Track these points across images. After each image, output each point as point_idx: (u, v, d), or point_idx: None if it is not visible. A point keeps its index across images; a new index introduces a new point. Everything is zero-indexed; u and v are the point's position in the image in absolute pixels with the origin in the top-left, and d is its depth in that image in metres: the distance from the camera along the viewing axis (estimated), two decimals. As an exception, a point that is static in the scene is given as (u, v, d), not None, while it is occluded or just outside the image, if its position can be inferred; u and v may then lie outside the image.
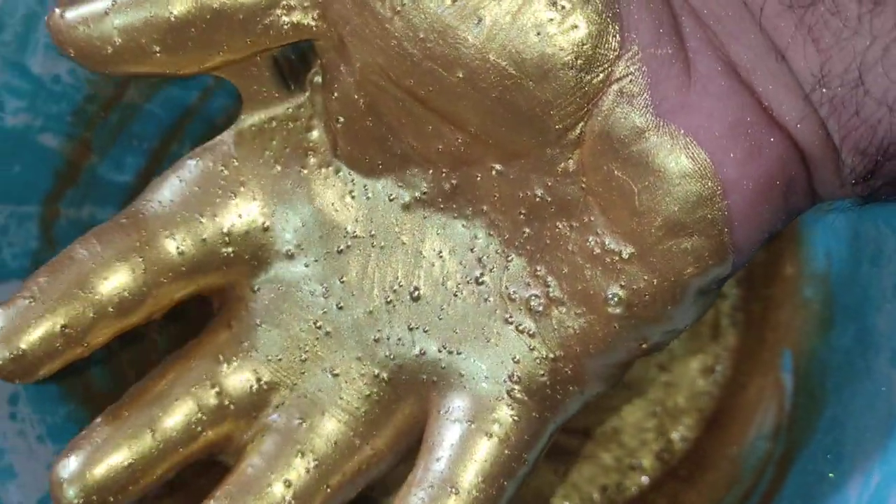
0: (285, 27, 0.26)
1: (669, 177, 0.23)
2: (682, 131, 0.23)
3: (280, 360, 0.30)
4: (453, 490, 0.26)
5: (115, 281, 0.29)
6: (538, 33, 0.23)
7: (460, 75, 0.24)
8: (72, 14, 0.26)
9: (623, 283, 0.25)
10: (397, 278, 0.28)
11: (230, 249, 0.30)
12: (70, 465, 0.27)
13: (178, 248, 0.29)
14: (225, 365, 0.30)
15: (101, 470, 0.28)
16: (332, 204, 0.28)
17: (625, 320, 0.26)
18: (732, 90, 0.23)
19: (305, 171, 0.29)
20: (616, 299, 0.26)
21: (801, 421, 0.37)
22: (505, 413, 0.27)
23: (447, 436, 0.27)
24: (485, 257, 0.28)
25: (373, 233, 0.29)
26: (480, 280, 0.28)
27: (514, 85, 0.24)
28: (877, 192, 0.23)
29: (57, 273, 0.28)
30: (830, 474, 0.33)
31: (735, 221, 0.23)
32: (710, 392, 0.46)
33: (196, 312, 0.44)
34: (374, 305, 0.29)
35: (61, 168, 0.34)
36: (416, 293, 0.28)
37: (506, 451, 0.27)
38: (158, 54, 0.26)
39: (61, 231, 0.35)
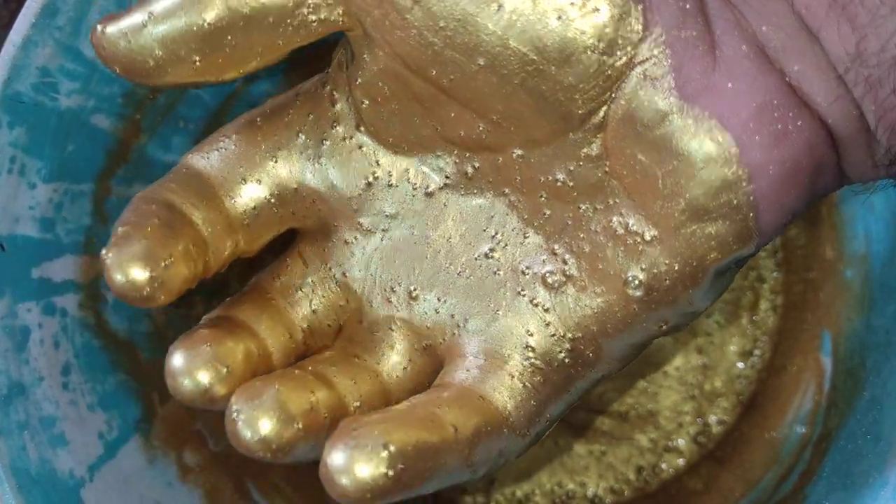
0: (314, 24, 0.26)
1: (693, 161, 0.23)
2: (707, 114, 0.22)
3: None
4: (434, 425, 0.24)
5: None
6: (559, 17, 0.23)
7: (481, 63, 0.24)
8: (112, 29, 0.26)
9: (644, 266, 0.25)
10: (413, 268, 0.29)
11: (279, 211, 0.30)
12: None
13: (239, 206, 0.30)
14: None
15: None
16: (352, 178, 0.29)
17: (644, 303, 0.26)
18: (759, 72, 0.22)
19: (328, 143, 0.29)
20: (636, 282, 0.25)
21: (839, 402, 0.37)
22: (512, 384, 0.27)
23: (447, 391, 0.27)
24: (499, 234, 0.28)
25: (390, 212, 0.29)
26: (490, 255, 0.28)
27: (536, 71, 0.24)
28: None
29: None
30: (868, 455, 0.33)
31: (760, 206, 0.23)
32: (748, 375, 0.46)
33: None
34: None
35: (112, 147, 0.35)
36: (422, 272, 0.29)
37: (508, 421, 0.27)
38: (198, 63, 0.26)
39: (112, 208, 0.36)
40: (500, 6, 0.23)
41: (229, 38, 0.26)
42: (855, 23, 0.21)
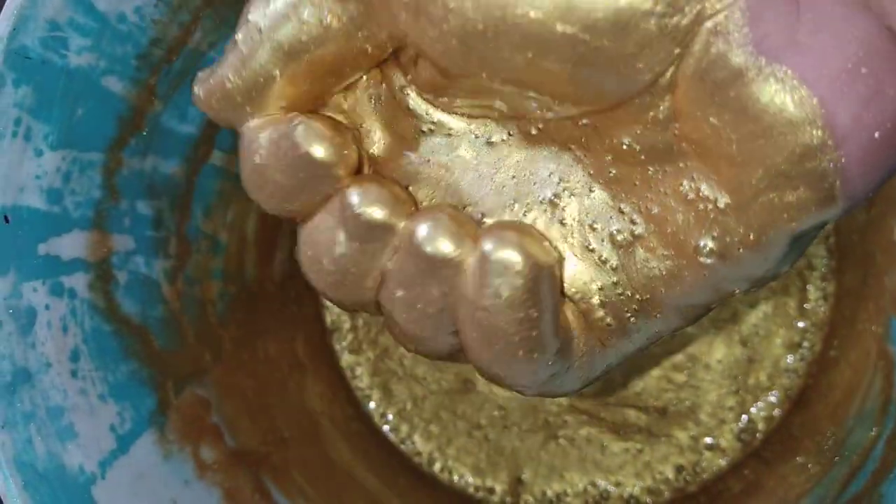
0: (370, 50, 0.24)
1: (773, 124, 0.20)
2: (789, 72, 0.20)
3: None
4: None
5: None
6: None
7: (530, 55, 0.21)
8: (201, 90, 0.25)
9: (716, 234, 0.22)
10: (478, 199, 0.26)
11: None
12: None
13: None
14: None
15: None
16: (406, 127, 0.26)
17: (716, 270, 0.23)
18: (852, 20, 0.19)
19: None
20: (707, 250, 0.23)
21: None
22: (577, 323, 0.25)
23: None
24: (564, 182, 0.25)
25: (449, 152, 0.26)
26: (556, 201, 0.25)
27: (591, 49, 0.21)
28: None
29: None
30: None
31: (848, 173, 0.20)
32: (796, 369, 0.43)
33: (255, 282, 0.42)
34: None
35: (125, 114, 0.33)
36: (488, 201, 0.26)
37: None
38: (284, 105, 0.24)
39: (124, 181, 0.33)
40: None
41: (303, 85, 0.24)
42: None
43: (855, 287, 0.41)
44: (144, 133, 0.34)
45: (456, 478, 0.45)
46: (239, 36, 0.24)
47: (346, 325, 0.47)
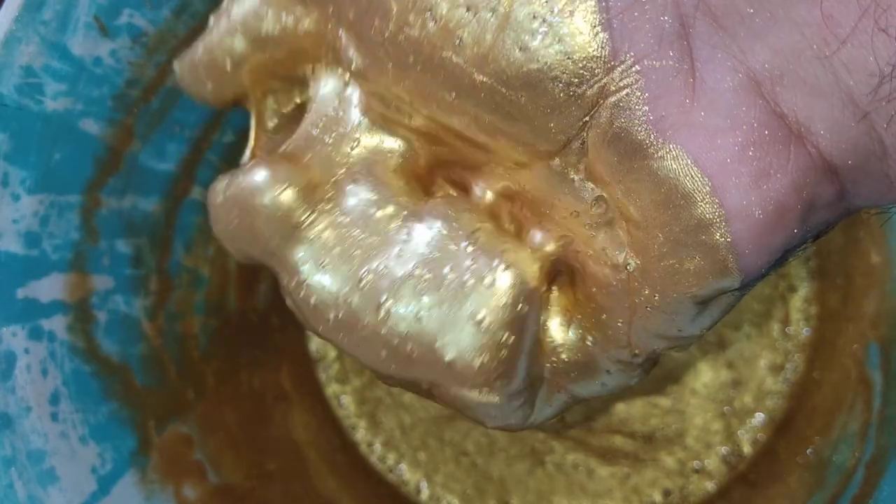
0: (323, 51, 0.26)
1: (671, 196, 0.21)
2: (683, 152, 0.20)
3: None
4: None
5: None
6: (521, 49, 0.21)
7: (453, 96, 0.23)
8: (178, 65, 0.28)
9: (629, 294, 0.23)
10: None
11: None
12: None
13: None
14: None
15: None
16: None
17: (632, 329, 0.24)
18: (744, 105, 0.20)
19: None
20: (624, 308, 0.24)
21: (894, 418, 0.34)
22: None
23: None
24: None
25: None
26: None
27: (507, 101, 0.22)
28: None
29: None
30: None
31: (740, 248, 0.21)
32: (780, 391, 0.44)
33: (237, 314, 0.42)
34: None
35: (102, 155, 0.33)
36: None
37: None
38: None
39: (102, 221, 0.33)
40: (460, 40, 0.21)
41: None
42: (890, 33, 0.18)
43: (836, 309, 0.41)
44: (122, 172, 0.34)
45: (444, 500, 0.45)
46: (212, 20, 0.26)
47: (332, 355, 0.47)
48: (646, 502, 0.44)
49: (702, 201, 0.21)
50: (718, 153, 0.20)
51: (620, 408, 0.45)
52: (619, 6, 0.20)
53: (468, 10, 0.21)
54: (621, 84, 0.21)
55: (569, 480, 0.45)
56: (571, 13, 0.20)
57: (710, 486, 0.43)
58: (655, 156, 0.21)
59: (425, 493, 0.45)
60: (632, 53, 0.20)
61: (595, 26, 0.20)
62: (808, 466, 0.39)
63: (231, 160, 0.40)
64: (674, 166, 0.21)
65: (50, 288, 0.31)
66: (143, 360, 0.35)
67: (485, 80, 0.22)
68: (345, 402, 0.47)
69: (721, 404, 0.44)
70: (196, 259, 0.39)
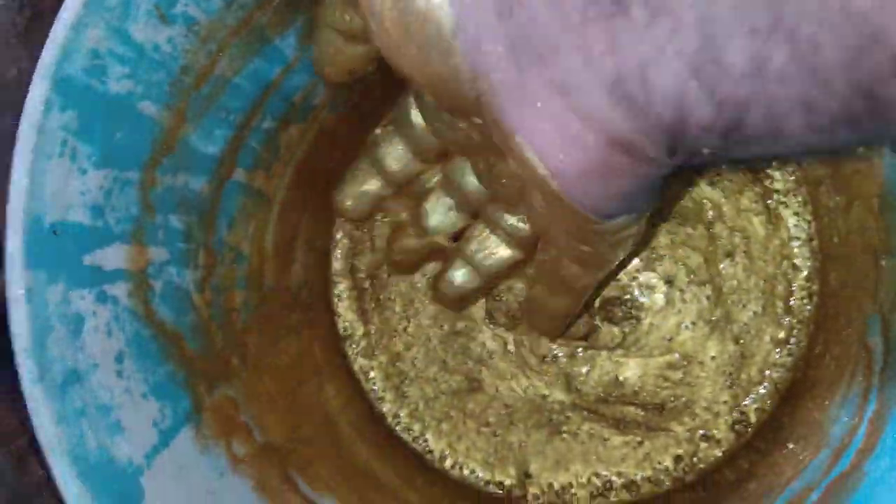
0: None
1: (525, 165, 0.29)
2: (523, 138, 0.28)
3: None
4: None
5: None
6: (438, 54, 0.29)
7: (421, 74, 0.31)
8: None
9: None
10: None
11: None
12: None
13: None
14: None
15: None
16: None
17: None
18: (553, 103, 0.27)
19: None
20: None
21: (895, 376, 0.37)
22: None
23: None
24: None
25: None
26: None
27: (438, 90, 0.30)
28: (697, 164, 0.27)
29: None
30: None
31: (571, 194, 0.29)
32: (784, 364, 0.46)
33: (273, 291, 0.45)
34: None
35: (158, 136, 0.35)
36: None
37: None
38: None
39: (157, 198, 0.36)
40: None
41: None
42: (614, 43, 0.24)
43: (837, 286, 0.44)
44: (175, 153, 0.36)
45: (467, 472, 0.48)
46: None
47: (359, 332, 0.50)
48: (658, 468, 0.47)
49: (536, 168, 0.29)
50: (542, 137, 0.28)
51: (632, 381, 0.47)
52: (470, 40, 0.27)
53: None
54: (486, 94, 0.28)
55: (584, 449, 0.47)
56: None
57: (718, 452, 0.46)
58: (513, 140, 0.29)
59: (449, 461, 0.48)
60: (488, 74, 0.28)
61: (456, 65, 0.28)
62: (814, 429, 0.41)
63: (269, 145, 0.43)
64: (521, 147, 0.28)
65: (113, 257, 0.33)
66: (192, 328, 0.37)
67: (422, 79, 0.30)
68: (372, 376, 0.49)
69: (728, 377, 0.46)
70: (237, 237, 0.42)
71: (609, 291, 0.47)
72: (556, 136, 0.27)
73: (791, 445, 0.42)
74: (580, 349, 0.47)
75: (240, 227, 0.42)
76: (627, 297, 0.47)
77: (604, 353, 0.47)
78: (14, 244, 0.30)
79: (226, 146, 0.39)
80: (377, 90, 0.49)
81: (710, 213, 0.47)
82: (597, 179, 0.28)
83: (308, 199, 0.47)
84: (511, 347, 0.48)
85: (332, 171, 0.50)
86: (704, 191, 0.47)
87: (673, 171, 0.28)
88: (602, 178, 0.28)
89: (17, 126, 0.49)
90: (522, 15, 0.26)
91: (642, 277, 0.47)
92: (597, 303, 0.47)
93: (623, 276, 0.47)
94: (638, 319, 0.47)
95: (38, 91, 0.30)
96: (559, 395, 0.48)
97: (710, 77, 0.23)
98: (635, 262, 0.47)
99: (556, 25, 0.25)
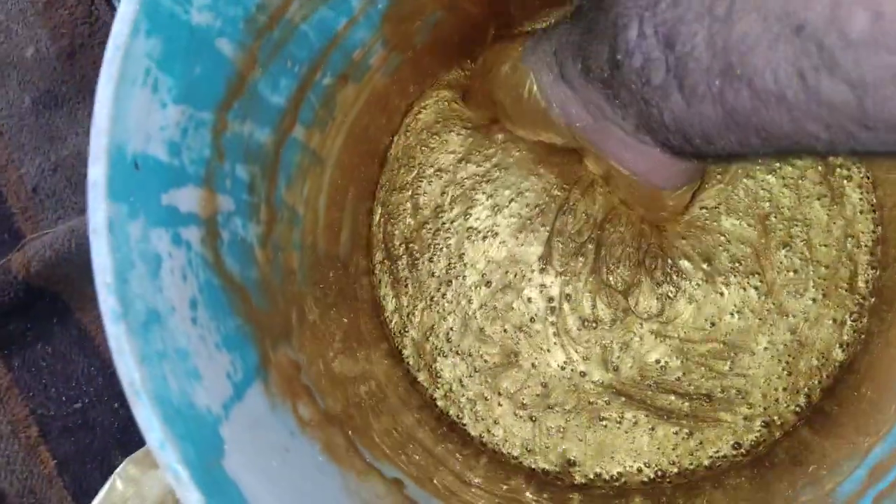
0: None
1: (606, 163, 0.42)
2: (606, 154, 0.41)
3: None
4: None
5: None
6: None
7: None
8: None
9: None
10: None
11: None
12: None
13: None
14: None
15: None
16: None
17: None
18: (619, 136, 0.38)
19: None
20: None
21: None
22: None
23: None
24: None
25: None
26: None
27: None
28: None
29: None
30: None
31: (644, 180, 0.42)
32: (844, 342, 0.45)
33: (325, 257, 0.43)
34: None
35: (232, 77, 0.34)
36: None
37: None
38: None
39: (227, 143, 0.34)
40: None
41: None
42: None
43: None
44: (245, 98, 0.35)
45: (508, 455, 0.46)
46: None
47: (391, 306, 0.48)
48: (715, 456, 0.45)
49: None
50: (619, 153, 0.40)
51: (673, 367, 0.46)
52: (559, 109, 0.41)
53: None
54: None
55: (629, 437, 0.46)
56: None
57: (777, 434, 0.45)
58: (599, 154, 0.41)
59: (490, 442, 0.46)
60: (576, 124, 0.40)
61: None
62: (875, 408, 0.40)
63: (327, 103, 0.41)
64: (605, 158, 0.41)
65: (187, 199, 0.32)
66: (256, 283, 0.35)
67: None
68: (405, 353, 0.48)
69: (786, 365, 0.45)
70: (294, 196, 0.40)
71: (653, 251, 0.46)
72: (627, 153, 0.39)
73: (851, 425, 0.41)
74: (620, 311, 0.46)
75: (296, 186, 0.40)
76: (669, 260, 0.46)
77: (639, 330, 0.46)
78: (97, 172, 0.28)
79: (290, 98, 0.38)
80: (425, 58, 0.48)
81: (767, 204, 0.46)
82: (653, 171, 0.40)
83: (356, 166, 0.46)
84: (555, 304, 0.46)
85: (381, 137, 0.49)
86: (763, 180, 0.46)
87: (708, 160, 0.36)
88: (655, 170, 0.40)
89: (36, 105, 0.47)
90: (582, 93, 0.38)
91: (685, 249, 0.46)
92: (642, 257, 0.46)
93: (665, 241, 0.46)
94: (677, 288, 0.46)
95: (127, 10, 0.29)
96: (597, 373, 0.46)
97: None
98: (683, 238, 0.46)
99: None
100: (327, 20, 0.38)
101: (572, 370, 0.46)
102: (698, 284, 0.46)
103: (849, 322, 0.45)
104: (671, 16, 0.28)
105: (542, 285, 0.46)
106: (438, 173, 0.48)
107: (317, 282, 0.41)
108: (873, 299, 0.45)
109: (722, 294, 0.46)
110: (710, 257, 0.46)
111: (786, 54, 0.24)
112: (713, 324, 0.46)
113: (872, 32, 0.22)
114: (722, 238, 0.46)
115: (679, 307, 0.46)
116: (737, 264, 0.46)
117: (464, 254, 0.47)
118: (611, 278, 0.45)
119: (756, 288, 0.46)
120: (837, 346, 0.45)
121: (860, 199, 0.46)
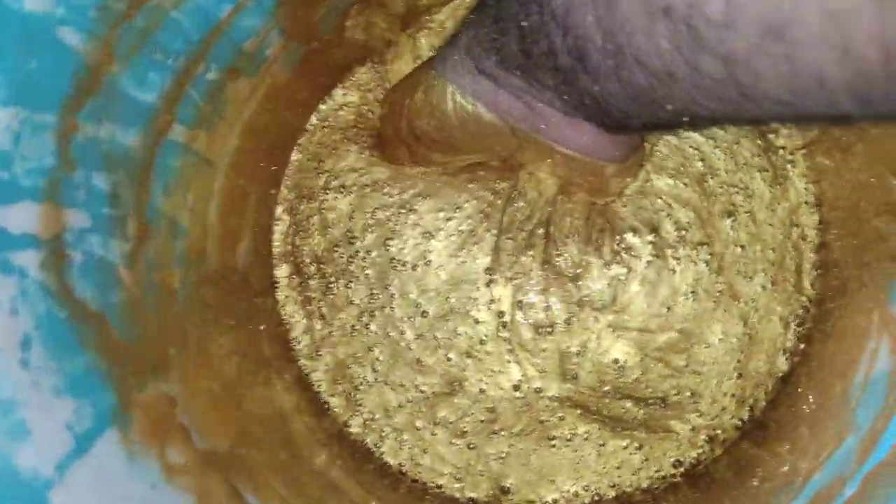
0: None
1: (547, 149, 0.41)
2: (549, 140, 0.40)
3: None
4: None
5: None
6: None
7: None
8: None
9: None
10: None
11: None
12: None
13: None
14: None
15: None
16: None
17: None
18: (559, 125, 0.39)
19: None
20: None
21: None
22: None
23: None
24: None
25: None
26: None
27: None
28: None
29: None
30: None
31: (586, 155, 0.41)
32: (794, 349, 0.42)
33: (217, 271, 0.38)
34: None
35: (81, 72, 0.29)
36: None
37: None
38: None
39: (79, 149, 0.29)
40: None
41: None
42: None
43: (848, 260, 0.40)
44: (101, 96, 0.30)
45: (431, 486, 0.42)
46: None
47: (301, 327, 0.43)
48: (654, 476, 0.42)
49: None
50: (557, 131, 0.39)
51: (631, 366, 0.42)
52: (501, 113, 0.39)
53: None
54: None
55: (576, 457, 0.42)
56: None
57: (719, 451, 0.41)
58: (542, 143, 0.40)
59: (411, 475, 0.42)
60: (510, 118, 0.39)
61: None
62: (833, 415, 0.37)
63: (213, 100, 0.37)
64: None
65: (21, 217, 0.27)
66: (121, 309, 0.31)
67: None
68: (315, 378, 0.43)
69: (737, 363, 0.42)
70: (175, 206, 0.35)
71: (599, 224, 0.42)
72: (567, 130, 0.39)
73: (806, 429, 0.38)
74: (574, 304, 0.42)
75: (177, 193, 0.35)
76: (617, 236, 0.42)
77: (595, 326, 0.42)
78: None
79: (162, 94, 0.33)
80: (336, 51, 0.43)
81: (700, 164, 0.43)
82: (594, 144, 0.40)
83: (257, 169, 0.41)
84: (507, 317, 0.42)
85: (284, 136, 0.44)
86: (688, 137, 0.43)
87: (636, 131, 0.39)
88: (596, 142, 0.39)
89: None
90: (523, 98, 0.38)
91: (630, 220, 0.42)
92: (588, 231, 0.42)
93: (609, 211, 0.42)
94: (628, 268, 0.42)
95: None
96: (554, 386, 0.42)
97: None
98: (624, 206, 0.42)
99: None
100: (205, 6, 0.33)
101: (527, 388, 0.42)
102: (649, 262, 0.42)
103: (793, 326, 0.42)
104: (564, 0, 0.30)
105: (491, 300, 0.42)
106: (342, 189, 0.43)
107: (206, 301, 0.36)
108: (814, 310, 0.42)
109: (674, 271, 0.42)
110: (655, 226, 0.42)
111: (663, 34, 0.26)
112: (669, 308, 0.42)
113: (728, 13, 0.24)
114: (660, 202, 0.42)
115: (632, 292, 0.42)
116: (683, 232, 0.42)
117: (389, 285, 0.42)
118: (560, 261, 0.41)
119: (706, 262, 0.42)
120: (781, 352, 0.42)
121: (805, 189, 0.43)
